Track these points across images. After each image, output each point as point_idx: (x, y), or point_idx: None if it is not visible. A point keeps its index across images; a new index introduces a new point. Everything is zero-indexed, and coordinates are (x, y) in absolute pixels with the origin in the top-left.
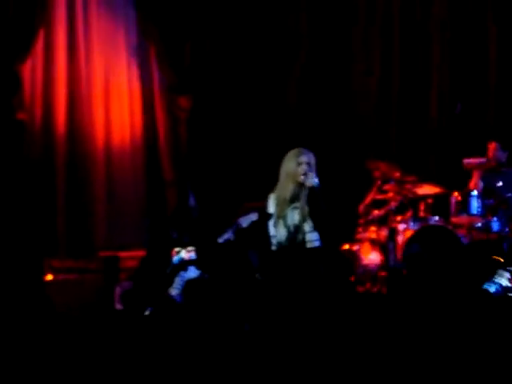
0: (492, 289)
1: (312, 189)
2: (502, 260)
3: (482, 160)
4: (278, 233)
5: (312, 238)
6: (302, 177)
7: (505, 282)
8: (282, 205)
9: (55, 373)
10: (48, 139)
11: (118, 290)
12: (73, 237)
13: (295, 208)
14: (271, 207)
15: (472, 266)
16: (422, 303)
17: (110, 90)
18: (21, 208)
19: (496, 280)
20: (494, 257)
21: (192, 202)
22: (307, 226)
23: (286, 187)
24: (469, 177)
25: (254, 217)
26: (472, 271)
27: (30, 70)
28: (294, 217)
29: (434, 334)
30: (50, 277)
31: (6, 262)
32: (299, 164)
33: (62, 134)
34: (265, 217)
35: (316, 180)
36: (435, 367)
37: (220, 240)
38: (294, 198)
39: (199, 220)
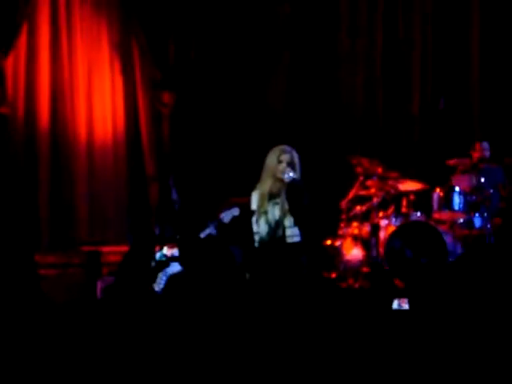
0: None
1: (292, 184)
2: None
3: (465, 160)
4: (259, 229)
5: (292, 233)
6: (282, 173)
7: None
8: (263, 200)
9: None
10: (30, 134)
11: (100, 285)
12: (55, 231)
13: (276, 204)
14: (254, 203)
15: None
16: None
17: (92, 85)
18: (4, 203)
19: None
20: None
21: (174, 197)
22: (287, 222)
23: (265, 183)
24: (451, 173)
25: (235, 212)
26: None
27: (13, 64)
28: (274, 212)
29: (417, 329)
30: None
31: None
32: (280, 162)
33: (44, 129)
34: (247, 213)
35: (291, 175)
36: (418, 361)
37: (202, 235)
38: (274, 194)
39: (181, 215)
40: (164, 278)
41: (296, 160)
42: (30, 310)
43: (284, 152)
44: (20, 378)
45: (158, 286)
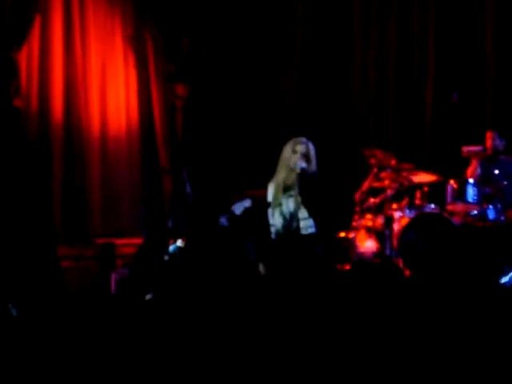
0: (506, 280)
1: (304, 175)
2: None
3: (480, 148)
4: (274, 221)
5: (306, 225)
6: (294, 163)
7: None
8: (277, 192)
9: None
10: (44, 126)
11: (114, 277)
12: (69, 224)
13: (290, 196)
14: (270, 195)
15: (484, 253)
16: (419, 293)
17: (106, 78)
18: (18, 196)
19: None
20: None
21: (188, 189)
22: (302, 213)
23: (280, 174)
24: (465, 165)
25: (247, 203)
26: (484, 259)
27: (27, 57)
28: (289, 204)
29: (430, 323)
30: None
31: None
32: (294, 152)
33: (58, 122)
34: (260, 205)
35: (302, 165)
36: (432, 358)
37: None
38: (289, 186)
39: (194, 207)
40: None
41: (312, 152)
42: (54, 304)
43: (299, 143)
44: (38, 371)
45: None
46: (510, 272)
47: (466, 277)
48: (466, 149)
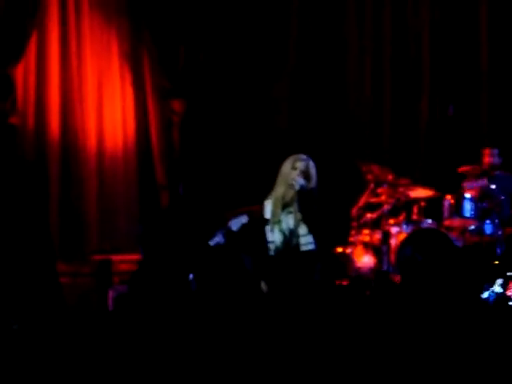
0: (486, 295)
1: (302, 192)
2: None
3: (476, 166)
4: (274, 237)
5: (306, 242)
6: (292, 180)
7: (498, 289)
8: (276, 209)
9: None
10: (41, 143)
11: (111, 294)
12: (66, 241)
13: (290, 212)
14: (267, 212)
15: (466, 270)
16: (416, 308)
17: (102, 95)
18: (15, 213)
19: (492, 287)
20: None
21: (184, 204)
22: (301, 230)
23: (278, 190)
24: (462, 180)
25: (243, 220)
26: (467, 276)
27: (23, 73)
28: (288, 221)
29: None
30: None
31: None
32: (294, 169)
33: (54, 139)
34: (257, 221)
35: (300, 183)
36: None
37: (210, 243)
38: (288, 203)
39: (189, 223)
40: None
41: (312, 169)
42: (53, 319)
43: (299, 160)
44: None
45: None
46: (489, 288)
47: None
48: (462, 169)
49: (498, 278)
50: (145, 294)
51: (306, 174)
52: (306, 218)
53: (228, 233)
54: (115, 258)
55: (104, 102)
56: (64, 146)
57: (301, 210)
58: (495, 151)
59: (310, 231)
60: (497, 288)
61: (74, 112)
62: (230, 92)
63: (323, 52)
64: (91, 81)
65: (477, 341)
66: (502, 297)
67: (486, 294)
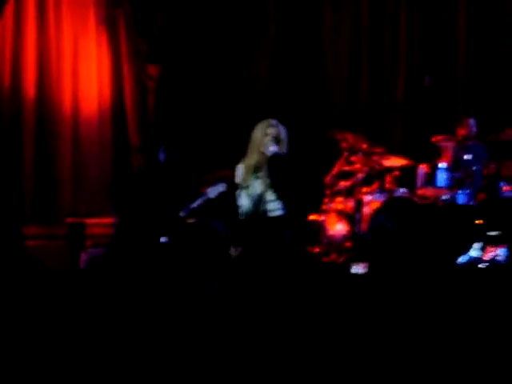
0: (462, 259)
1: (274, 158)
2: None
3: (450, 137)
4: (242, 202)
5: (274, 208)
6: (265, 147)
7: (475, 253)
8: (247, 174)
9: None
10: (16, 106)
11: (83, 257)
12: (39, 203)
13: (258, 178)
14: (238, 177)
15: (439, 238)
16: (389, 274)
17: (78, 58)
18: None
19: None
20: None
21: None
22: (270, 196)
23: (251, 156)
24: (436, 150)
25: (221, 187)
26: (440, 243)
27: (0, 33)
28: (257, 186)
29: (401, 305)
30: None
31: None
32: (266, 135)
33: (30, 101)
34: (232, 187)
35: (273, 149)
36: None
37: (187, 209)
38: (257, 168)
39: (164, 187)
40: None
41: (282, 135)
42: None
43: (270, 126)
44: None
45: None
46: (466, 252)
47: (425, 256)
48: (434, 139)
49: (477, 241)
50: (118, 255)
51: (277, 140)
52: (275, 184)
53: (206, 200)
54: (89, 221)
55: (80, 64)
56: (39, 108)
57: (270, 175)
58: (472, 121)
59: (279, 197)
60: (473, 252)
61: (50, 74)
62: (207, 58)
63: (301, 20)
64: (67, 42)
65: (445, 304)
66: (476, 261)
67: (462, 259)
